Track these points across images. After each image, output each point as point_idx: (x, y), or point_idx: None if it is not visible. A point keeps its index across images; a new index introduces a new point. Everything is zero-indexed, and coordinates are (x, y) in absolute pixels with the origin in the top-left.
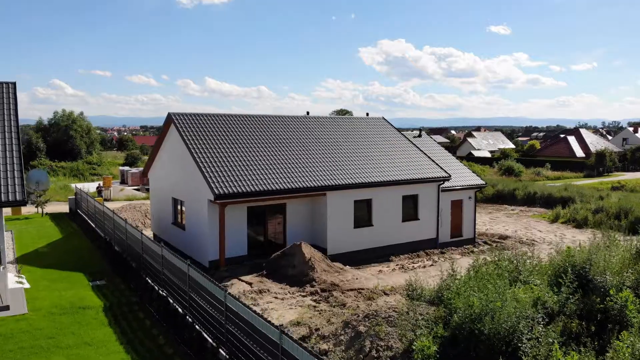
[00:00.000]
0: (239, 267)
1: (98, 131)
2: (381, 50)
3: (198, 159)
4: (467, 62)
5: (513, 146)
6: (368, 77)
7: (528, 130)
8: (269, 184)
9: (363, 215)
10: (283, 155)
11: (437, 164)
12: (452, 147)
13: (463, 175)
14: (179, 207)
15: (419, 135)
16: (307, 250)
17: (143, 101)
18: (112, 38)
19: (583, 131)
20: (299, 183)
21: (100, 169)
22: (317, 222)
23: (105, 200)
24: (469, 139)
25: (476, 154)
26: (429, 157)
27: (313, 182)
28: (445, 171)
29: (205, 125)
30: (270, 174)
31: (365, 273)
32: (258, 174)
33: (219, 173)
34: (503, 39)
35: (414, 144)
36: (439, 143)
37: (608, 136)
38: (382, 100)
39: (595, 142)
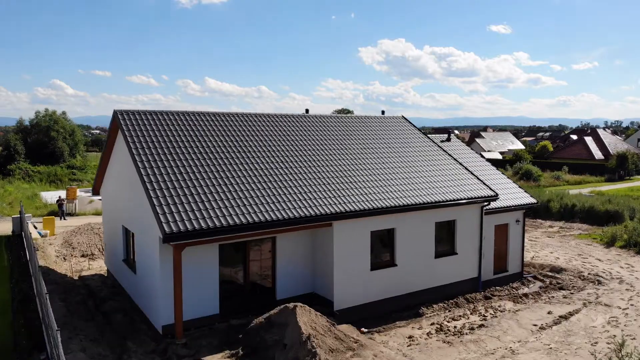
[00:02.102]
0: (206, 334)
1: (97, 131)
2: (381, 50)
3: (147, 179)
4: (468, 61)
5: (522, 146)
6: (368, 77)
7: (531, 130)
8: (249, 213)
9: (383, 251)
10: (271, 170)
11: (478, 179)
12: None
13: (508, 191)
14: (130, 240)
15: (448, 139)
16: (305, 319)
17: (144, 101)
18: (110, 38)
19: (601, 132)
20: (293, 211)
21: (82, 175)
22: (320, 262)
23: (68, 215)
24: (478, 140)
25: (486, 155)
26: (466, 168)
27: (314, 208)
28: (491, 188)
29: (162, 128)
30: (251, 198)
31: (390, 347)
32: (234, 200)
33: (176, 199)
34: (503, 38)
35: (446, 151)
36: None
37: (617, 136)
38: (383, 100)
39: (613, 144)
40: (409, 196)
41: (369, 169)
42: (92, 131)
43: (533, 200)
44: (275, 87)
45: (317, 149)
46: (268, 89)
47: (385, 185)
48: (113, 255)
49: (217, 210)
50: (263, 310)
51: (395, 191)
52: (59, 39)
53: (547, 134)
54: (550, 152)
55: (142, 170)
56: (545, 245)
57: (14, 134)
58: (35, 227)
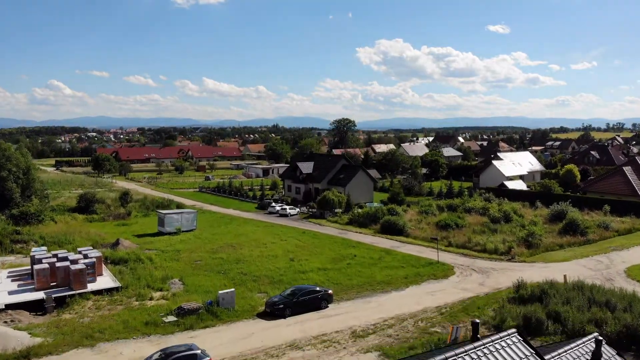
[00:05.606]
0: None
1: (95, 134)
2: (379, 50)
3: None
4: (466, 61)
5: (542, 167)
6: (367, 77)
7: (536, 136)
8: None
9: None
10: None
11: None
12: (472, 167)
13: None
14: None
15: None
16: None
17: (142, 102)
18: (108, 38)
19: None
20: None
21: (30, 231)
22: None
23: None
24: (496, 163)
25: (510, 185)
26: None
27: None
28: None
29: None
30: None
31: None
32: None
33: None
34: (502, 38)
35: None
36: (450, 157)
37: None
38: (382, 100)
39: None
40: None
41: None
42: (89, 134)
43: None
44: (274, 88)
45: None
46: (266, 89)
47: None
48: None
49: None
50: None
51: None
52: (56, 39)
53: (557, 142)
54: (580, 185)
55: None
56: None
57: None
58: None
